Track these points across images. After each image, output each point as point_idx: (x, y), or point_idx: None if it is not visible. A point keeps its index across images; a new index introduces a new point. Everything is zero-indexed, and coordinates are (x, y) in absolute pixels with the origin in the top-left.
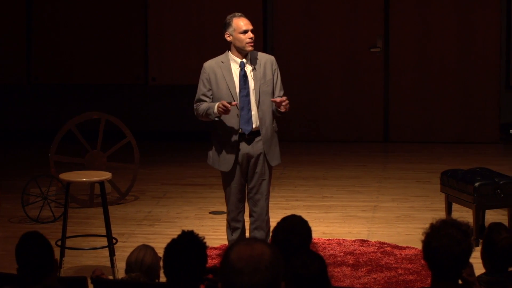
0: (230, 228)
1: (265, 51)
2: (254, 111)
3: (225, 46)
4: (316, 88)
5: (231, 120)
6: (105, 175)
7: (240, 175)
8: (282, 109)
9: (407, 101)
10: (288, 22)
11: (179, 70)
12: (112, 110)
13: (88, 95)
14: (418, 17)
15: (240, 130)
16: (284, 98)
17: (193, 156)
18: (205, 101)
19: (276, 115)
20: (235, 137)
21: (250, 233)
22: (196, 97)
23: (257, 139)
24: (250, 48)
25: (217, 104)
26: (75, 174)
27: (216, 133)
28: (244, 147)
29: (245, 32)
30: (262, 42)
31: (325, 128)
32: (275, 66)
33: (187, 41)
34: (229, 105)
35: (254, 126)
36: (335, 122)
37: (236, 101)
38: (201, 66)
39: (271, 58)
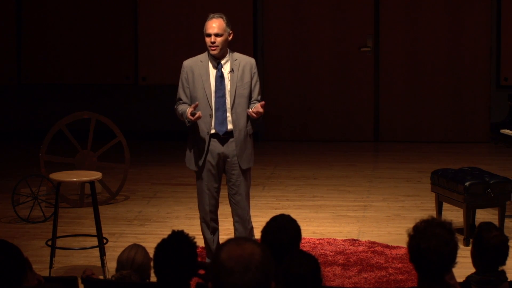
0: (209, 228)
1: (255, 51)
2: (229, 113)
3: None
4: (306, 88)
5: (204, 120)
6: (96, 175)
7: (212, 175)
8: (255, 116)
9: (397, 100)
10: (278, 22)
11: (169, 70)
12: (102, 110)
13: (78, 95)
14: (408, 16)
15: (213, 131)
16: (259, 109)
17: (183, 156)
18: (183, 100)
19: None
20: (207, 137)
21: (234, 234)
22: (177, 96)
23: (231, 140)
24: (212, 52)
25: (188, 112)
26: (65, 174)
27: (191, 133)
28: (217, 147)
29: (209, 35)
30: (252, 42)
31: (315, 128)
32: (255, 69)
33: (177, 41)
34: (194, 115)
35: (228, 127)
36: (325, 122)
37: (211, 102)
38: None
39: (251, 61)
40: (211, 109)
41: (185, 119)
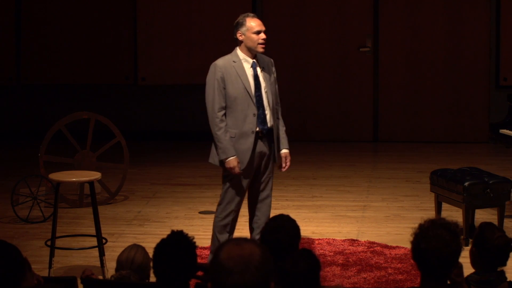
0: (227, 228)
1: None
2: (267, 111)
3: (215, 47)
4: (306, 88)
5: (247, 120)
6: (95, 175)
7: (251, 174)
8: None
9: (396, 100)
10: (277, 22)
11: (169, 70)
12: (101, 110)
13: (78, 95)
14: (407, 16)
15: (257, 129)
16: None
17: (182, 156)
18: (222, 106)
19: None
20: (252, 136)
21: (256, 235)
22: (212, 102)
23: (269, 137)
24: (261, 50)
25: (231, 160)
26: (64, 174)
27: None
28: (259, 145)
29: (258, 32)
30: None
31: (314, 128)
32: (274, 67)
33: (176, 41)
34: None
35: (269, 125)
36: (325, 122)
37: (254, 101)
38: (190, 66)
39: (271, 60)
40: (255, 108)
41: (219, 160)
